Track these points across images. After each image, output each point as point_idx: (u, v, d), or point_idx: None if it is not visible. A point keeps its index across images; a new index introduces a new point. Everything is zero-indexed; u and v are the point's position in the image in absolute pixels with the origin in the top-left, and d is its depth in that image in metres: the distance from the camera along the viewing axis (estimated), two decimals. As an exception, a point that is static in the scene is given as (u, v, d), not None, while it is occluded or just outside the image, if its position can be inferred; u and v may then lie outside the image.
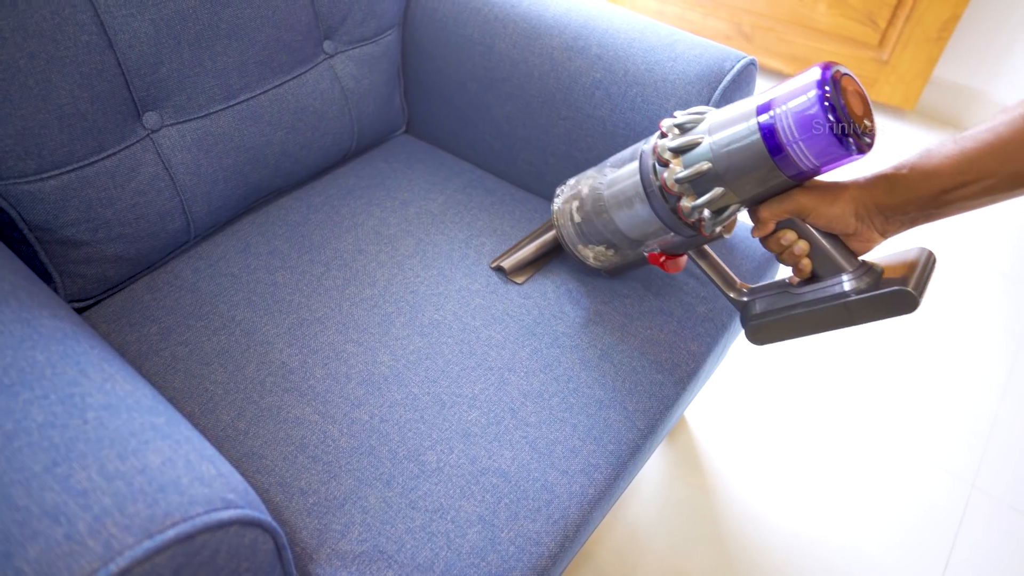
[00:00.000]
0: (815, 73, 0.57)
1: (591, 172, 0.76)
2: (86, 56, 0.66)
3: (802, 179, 0.60)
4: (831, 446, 1.20)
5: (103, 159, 0.71)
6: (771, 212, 0.63)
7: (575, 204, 0.76)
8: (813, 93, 0.56)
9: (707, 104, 0.82)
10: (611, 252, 0.76)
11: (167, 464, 0.44)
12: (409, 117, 1.10)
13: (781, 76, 2.18)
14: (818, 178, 0.62)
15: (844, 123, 0.55)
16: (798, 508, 1.11)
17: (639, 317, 0.81)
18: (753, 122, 0.59)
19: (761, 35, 2.08)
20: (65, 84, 0.65)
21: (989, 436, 1.22)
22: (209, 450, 0.48)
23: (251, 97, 0.81)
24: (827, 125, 0.54)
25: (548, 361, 0.75)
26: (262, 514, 0.47)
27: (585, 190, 0.75)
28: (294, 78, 0.85)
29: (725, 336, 0.86)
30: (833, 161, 0.57)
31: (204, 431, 0.67)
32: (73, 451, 0.42)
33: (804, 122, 0.56)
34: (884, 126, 2.00)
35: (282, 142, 0.86)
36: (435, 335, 0.76)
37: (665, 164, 0.65)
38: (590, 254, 0.78)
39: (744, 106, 0.61)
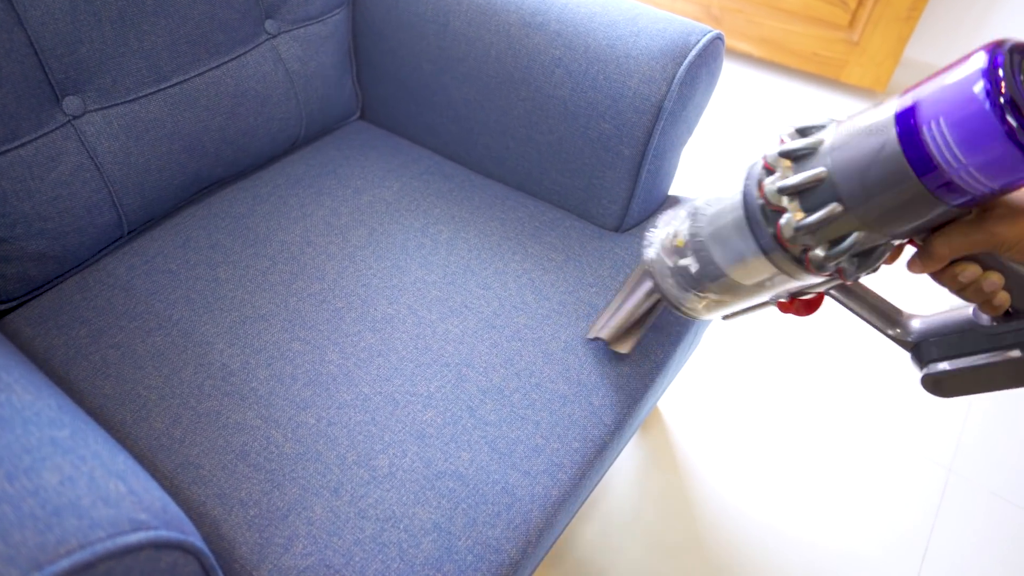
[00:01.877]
0: (980, 60, 0.38)
1: (691, 204, 0.56)
2: (-8, 34, 0.60)
3: (980, 204, 0.42)
4: (807, 435, 1.17)
5: (17, 147, 0.65)
6: (951, 248, 0.45)
7: (671, 245, 0.57)
8: (980, 87, 0.37)
9: (672, 80, 0.77)
10: (727, 299, 0.56)
11: (66, 483, 0.39)
12: (363, 102, 1.04)
13: (750, 59, 2.15)
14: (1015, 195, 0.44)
15: None
16: (775, 499, 1.08)
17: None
18: (892, 139, 0.40)
19: (730, 17, 2.05)
20: (-32, 65, 0.60)
21: (965, 420, 1.21)
22: (121, 464, 0.43)
23: (184, 80, 0.75)
24: (1002, 130, 0.37)
25: (509, 355, 0.71)
26: (182, 534, 0.42)
27: (684, 228, 0.55)
28: (232, 59, 0.80)
29: (696, 325, 0.82)
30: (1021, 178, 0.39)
31: (135, 440, 0.62)
32: (-47, 473, 0.37)
33: (967, 133, 0.38)
34: (855, 108, 1.97)
35: (221, 128, 0.80)
36: (388, 330, 0.71)
37: (779, 211, 0.46)
38: (699, 305, 0.58)
39: (879, 115, 0.42)
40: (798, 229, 0.45)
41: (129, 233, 0.78)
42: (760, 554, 1.01)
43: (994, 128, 0.37)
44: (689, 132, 0.87)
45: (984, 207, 0.43)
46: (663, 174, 0.87)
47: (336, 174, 0.90)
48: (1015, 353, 0.47)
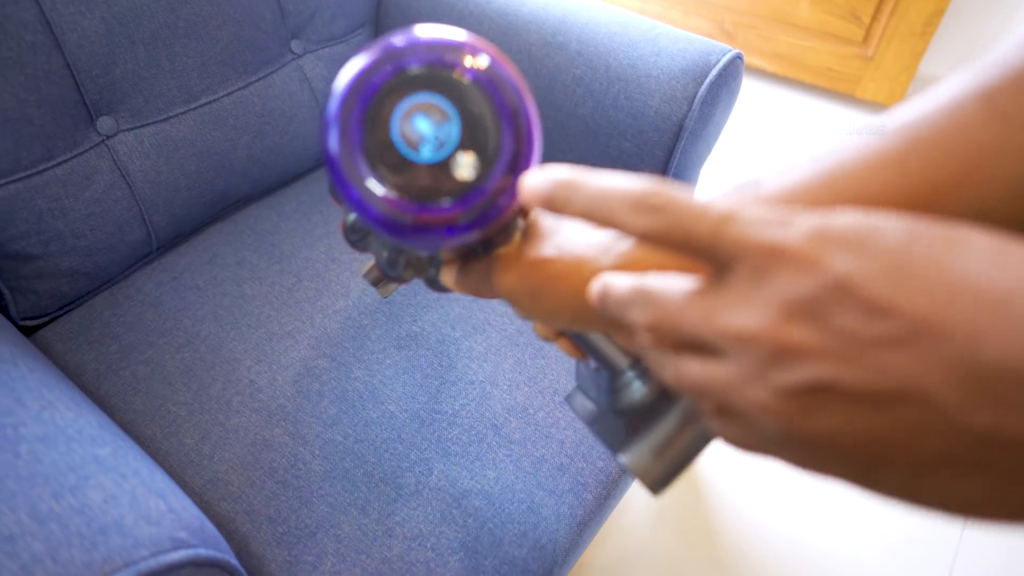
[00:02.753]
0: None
1: None
2: (31, 57, 0.62)
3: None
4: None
5: (53, 167, 0.66)
6: (454, 283, 0.40)
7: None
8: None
9: (694, 100, 0.78)
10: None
11: (109, 502, 0.40)
12: (385, 119, 1.06)
13: (764, 74, 2.16)
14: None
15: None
16: (797, 516, 1.07)
17: (627, 324, 0.78)
18: None
19: (744, 33, 2.06)
20: (8, 87, 0.61)
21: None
22: (160, 482, 0.44)
23: (214, 99, 0.77)
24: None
25: (532, 373, 0.71)
26: (220, 552, 0.43)
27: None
28: (260, 79, 0.81)
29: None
30: None
31: (165, 456, 0.63)
32: (1, 491, 0.38)
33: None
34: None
35: (248, 147, 0.81)
36: (412, 348, 0.72)
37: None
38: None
39: None
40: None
41: (157, 249, 0.79)
42: (780, 572, 1.01)
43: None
44: (709, 150, 0.88)
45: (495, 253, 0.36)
46: (683, 192, 0.88)
47: (359, 191, 0.91)
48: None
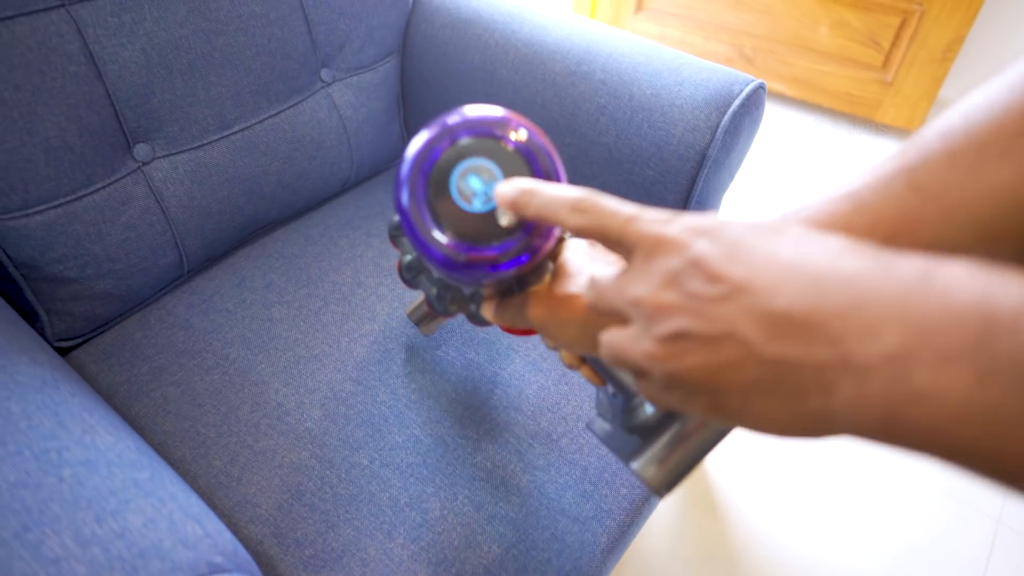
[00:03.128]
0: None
1: None
2: (74, 87, 0.64)
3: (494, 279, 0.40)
4: (850, 481, 1.16)
5: (92, 193, 0.68)
6: (493, 316, 0.46)
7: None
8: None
9: (717, 129, 0.79)
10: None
11: (149, 526, 0.41)
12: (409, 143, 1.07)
13: (784, 98, 2.17)
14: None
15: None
16: (816, 545, 1.06)
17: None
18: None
19: (763, 58, 2.07)
20: (52, 116, 0.63)
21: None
22: (196, 507, 0.45)
23: (246, 127, 0.79)
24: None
25: (556, 399, 0.72)
26: (252, 577, 0.43)
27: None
28: (290, 107, 0.83)
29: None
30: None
31: (195, 478, 0.64)
32: (46, 514, 0.39)
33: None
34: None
35: (278, 172, 0.83)
36: (437, 372, 0.73)
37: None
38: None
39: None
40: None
41: (188, 272, 0.81)
42: (801, 601, 1.00)
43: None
44: (731, 177, 0.88)
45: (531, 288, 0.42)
46: (705, 219, 0.89)
47: (384, 215, 0.92)
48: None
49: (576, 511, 0.64)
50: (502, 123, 0.38)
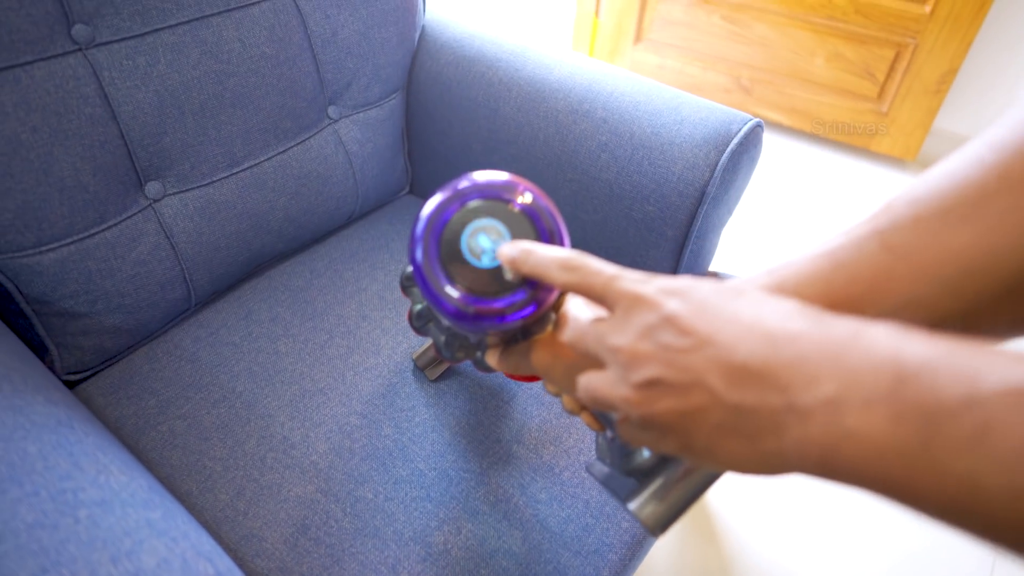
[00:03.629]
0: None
1: None
2: (89, 129, 0.66)
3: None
4: (849, 507, 1.16)
5: (104, 230, 0.70)
6: (497, 363, 0.50)
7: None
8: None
9: (715, 167, 0.81)
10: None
11: (162, 566, 0.41)
12: (413, 177, 1.09)
13: (781, 128, 2.20)
14: None
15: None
16: (819, 569, 1.07)
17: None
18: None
19: (760, 88, 2.10)
20: (67, 157, 0.65)
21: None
22: (206, 545, 0.46)
23: (255, 164, 0.80)
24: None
25: (558, 433, 0.73)
26: (261, 615, 0.44)
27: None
28: (298, 144, 0.85)
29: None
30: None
31: (201, 511, 0.64)
32: (63, 554, 0.40)
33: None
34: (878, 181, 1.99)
35: (285, 207, 0.85)
36: (440, 406, 0.74)
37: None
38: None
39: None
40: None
41: (195, 305, 0.82)
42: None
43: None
44: (730, 213, 0.90)
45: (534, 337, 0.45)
46: (705, 252, 0.90)
47: (388, 248, 0.94)
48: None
49: (579, 544, 0.64)
50: (510, 187, 0.42)
